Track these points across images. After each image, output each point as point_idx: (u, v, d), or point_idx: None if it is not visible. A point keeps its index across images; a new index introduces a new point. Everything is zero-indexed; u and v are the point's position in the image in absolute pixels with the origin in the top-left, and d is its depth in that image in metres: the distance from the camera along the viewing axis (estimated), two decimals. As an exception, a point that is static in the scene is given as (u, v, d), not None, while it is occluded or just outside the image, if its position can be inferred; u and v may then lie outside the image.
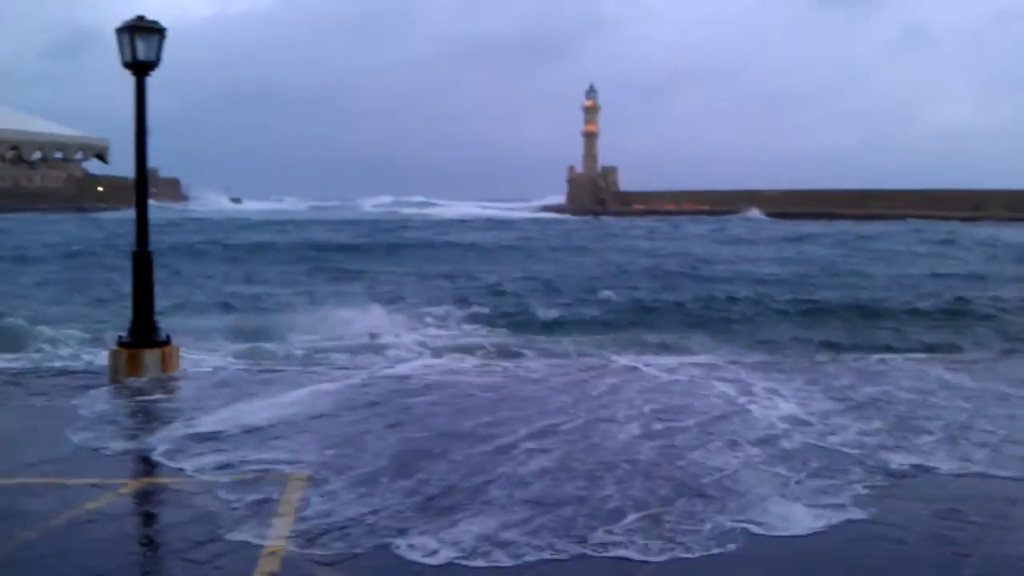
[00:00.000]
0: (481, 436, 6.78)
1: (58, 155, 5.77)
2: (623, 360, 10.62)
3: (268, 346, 13.59)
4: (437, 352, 12.72)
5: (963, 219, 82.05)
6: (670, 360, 10.92)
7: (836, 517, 5.07)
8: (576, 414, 7.57)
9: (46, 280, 25.18)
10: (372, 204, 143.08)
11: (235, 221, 73.24)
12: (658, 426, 7.16)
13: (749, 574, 4.37)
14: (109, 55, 9.53)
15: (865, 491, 5.55)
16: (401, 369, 10.03)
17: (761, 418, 7.49)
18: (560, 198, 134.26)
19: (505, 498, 5.29)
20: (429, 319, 16.96)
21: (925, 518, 5.11)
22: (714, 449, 6.49)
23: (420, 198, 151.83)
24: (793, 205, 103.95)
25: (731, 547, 4.62)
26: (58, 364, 11.37)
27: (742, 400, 8.20)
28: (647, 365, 10.11)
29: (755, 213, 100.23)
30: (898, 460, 6.26)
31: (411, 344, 13.91)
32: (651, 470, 5.94)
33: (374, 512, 5.03)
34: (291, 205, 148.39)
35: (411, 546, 4.55)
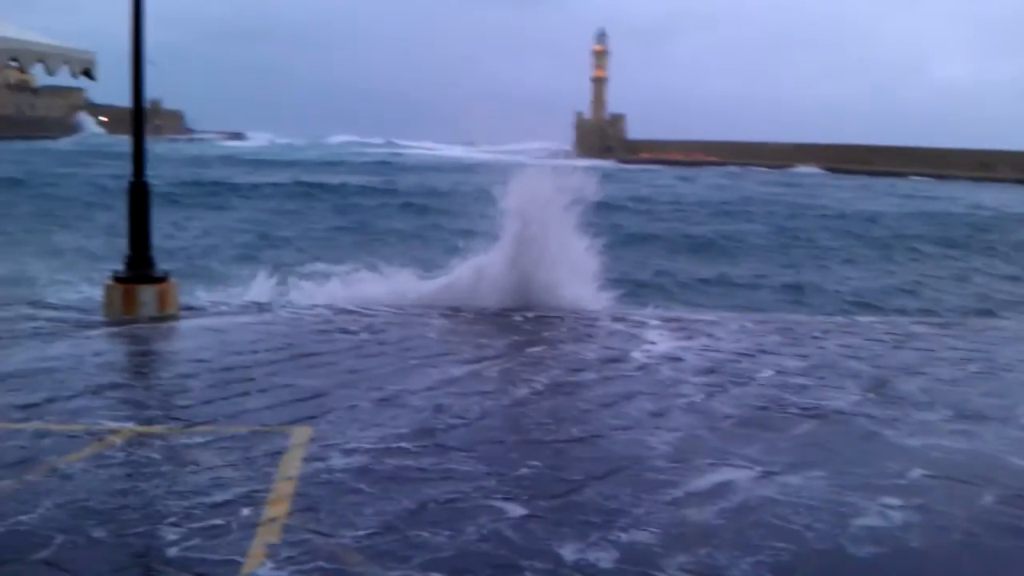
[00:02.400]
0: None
1: (39, 65, 5.18)
2: None
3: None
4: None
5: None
6: None
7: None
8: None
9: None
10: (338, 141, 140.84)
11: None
12: None
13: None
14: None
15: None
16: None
17: None
18: (549, 143, 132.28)
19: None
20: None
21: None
22: None
23: (390, 140, 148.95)
24: (802, 160, 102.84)
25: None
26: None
27: None
28: None
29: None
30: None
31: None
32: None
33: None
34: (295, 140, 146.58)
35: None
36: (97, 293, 9.50)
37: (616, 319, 9.42)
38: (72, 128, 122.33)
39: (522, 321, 9.26)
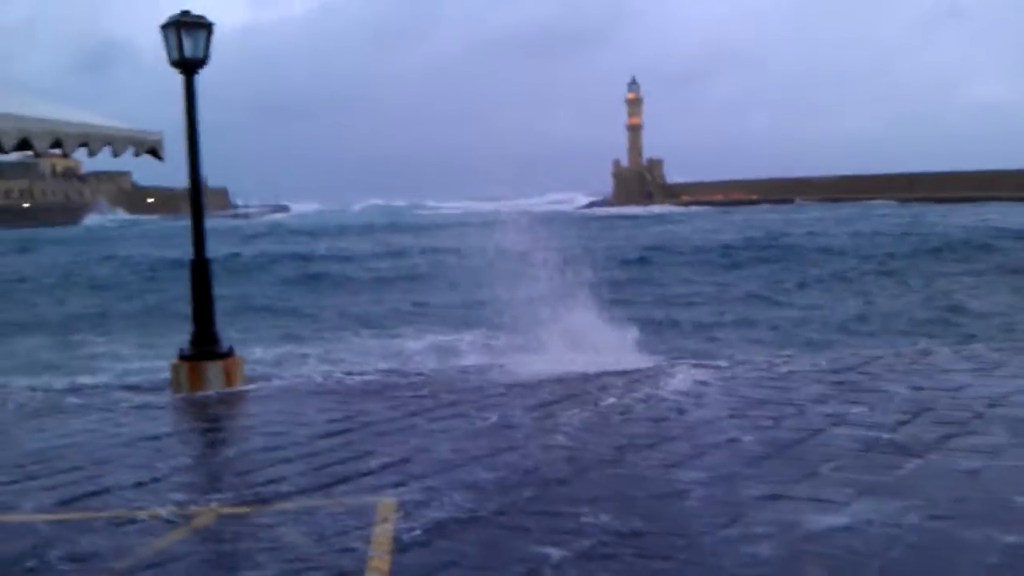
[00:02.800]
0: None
1: (106, 149, 5.19)
2: None
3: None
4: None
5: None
6: None
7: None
8: None
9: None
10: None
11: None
12: None
13: None
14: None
15: None
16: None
17: None
18: (584, 193, 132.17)
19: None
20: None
21: None
22: None
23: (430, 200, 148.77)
24: (844, 192, 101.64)
25: None
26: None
27: None
28: None
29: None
30: None
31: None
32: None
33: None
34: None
35: None
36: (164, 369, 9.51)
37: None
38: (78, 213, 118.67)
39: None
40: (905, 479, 5.09)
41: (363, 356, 13.60)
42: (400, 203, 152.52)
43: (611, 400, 7.62)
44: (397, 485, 5.39)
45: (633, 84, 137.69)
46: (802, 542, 4.23)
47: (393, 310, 21.32)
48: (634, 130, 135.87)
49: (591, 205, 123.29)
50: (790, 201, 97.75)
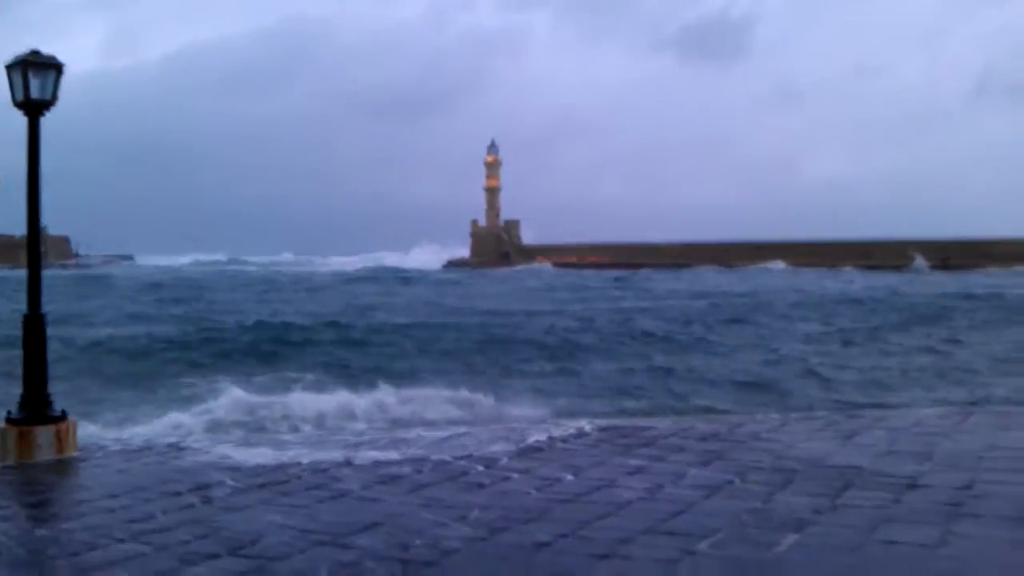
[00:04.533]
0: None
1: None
2: None
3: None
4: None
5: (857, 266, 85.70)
6: None
7: None
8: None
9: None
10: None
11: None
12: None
13: None
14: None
15: None
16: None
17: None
18: (443, 254, 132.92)
19: None
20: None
21: None
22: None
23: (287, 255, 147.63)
24: (694, 258, 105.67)
25: None
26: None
27: None
28: None
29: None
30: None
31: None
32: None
33: None
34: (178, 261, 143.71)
35: None
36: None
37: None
38: None
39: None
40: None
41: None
42: (219, 256, 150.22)
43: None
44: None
45: (492, 147, 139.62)
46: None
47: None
48: (492, 192, 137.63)
49: (449, 265, 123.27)
50: (637, 267, 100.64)
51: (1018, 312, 34.07)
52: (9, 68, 8.53)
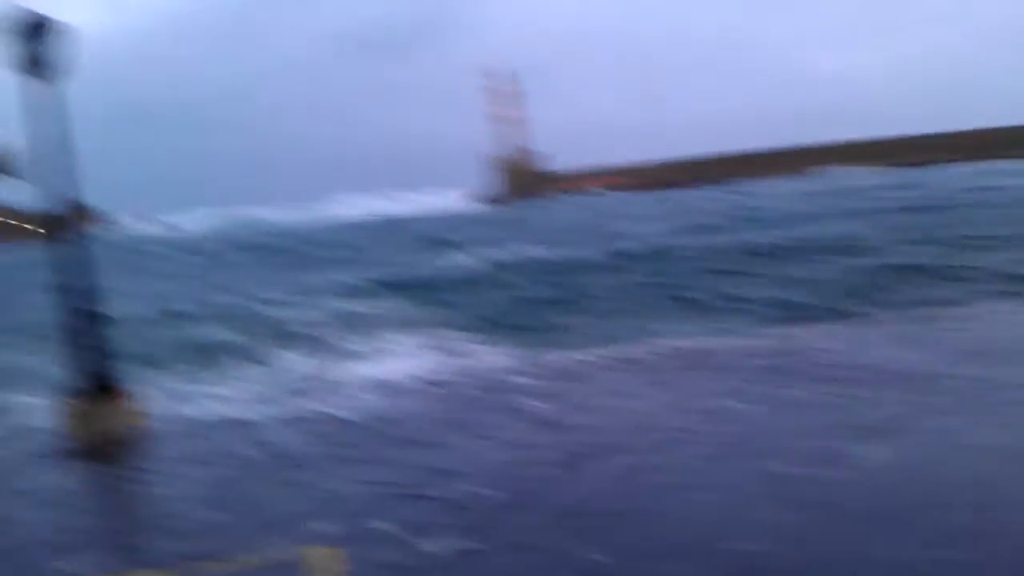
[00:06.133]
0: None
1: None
2: None
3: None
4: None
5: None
6: None
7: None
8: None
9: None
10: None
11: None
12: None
13: None
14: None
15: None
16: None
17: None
18: (461, 190, 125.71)
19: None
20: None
21: None
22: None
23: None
24: (737, 171, 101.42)
25: None
26: None
27: None
28: None
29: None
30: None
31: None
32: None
33: None
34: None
35: None
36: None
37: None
38: None
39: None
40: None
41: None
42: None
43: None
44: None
45: (512, 77, 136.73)
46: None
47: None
48: (515, 124, 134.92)
49: (483, 203, 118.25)
50: (673, 185, 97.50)
51: None
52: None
